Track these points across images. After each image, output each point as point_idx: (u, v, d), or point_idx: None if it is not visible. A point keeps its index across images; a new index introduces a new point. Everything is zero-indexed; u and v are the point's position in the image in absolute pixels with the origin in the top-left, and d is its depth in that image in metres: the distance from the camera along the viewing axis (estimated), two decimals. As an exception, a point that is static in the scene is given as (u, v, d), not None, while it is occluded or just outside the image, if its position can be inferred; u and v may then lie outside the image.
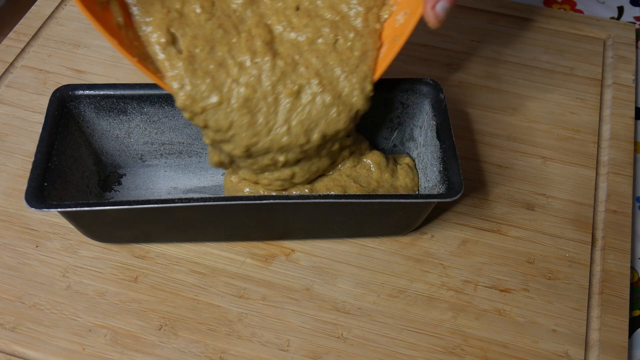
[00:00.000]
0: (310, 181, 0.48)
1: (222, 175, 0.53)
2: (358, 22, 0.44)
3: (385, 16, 0.45)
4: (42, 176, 0.43)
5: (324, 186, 0.48)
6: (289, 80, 0.43)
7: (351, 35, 0.44)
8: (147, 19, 0.43)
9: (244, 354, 0.44)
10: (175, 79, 0.42)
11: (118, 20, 0.42)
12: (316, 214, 0.46)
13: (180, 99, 0.42)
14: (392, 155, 0.52)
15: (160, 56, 0.42)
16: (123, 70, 0.60)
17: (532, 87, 0.61)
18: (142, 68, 0.42)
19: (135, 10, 0.43)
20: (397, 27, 0.44)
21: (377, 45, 0.45)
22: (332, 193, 0.48)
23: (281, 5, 0.45)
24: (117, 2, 0.42)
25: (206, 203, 0.42)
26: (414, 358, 0.44)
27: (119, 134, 0.50)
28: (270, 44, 0.44)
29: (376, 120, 0.51)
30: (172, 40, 0.43)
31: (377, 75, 0.44)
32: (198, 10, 0.43)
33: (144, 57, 0.42)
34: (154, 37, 0.43)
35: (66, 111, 0.47)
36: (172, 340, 0.44)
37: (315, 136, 0.44)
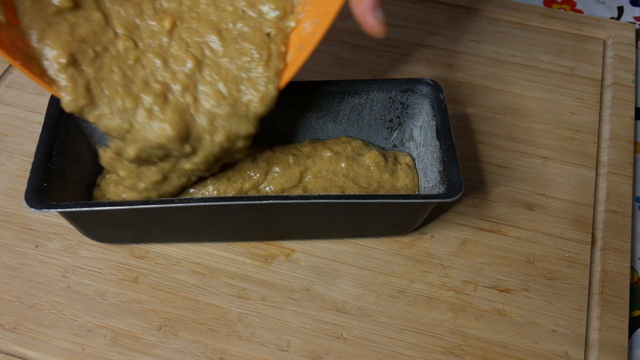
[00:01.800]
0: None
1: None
2: (259, 71, 0.42)
3: (293, 24, 0.43)
4: (42, 176, 0.43)
5: (320, 187, 0.48)
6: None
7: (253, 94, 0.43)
8: (47, 39, 0.40)
9: (244, 354, 0.44)
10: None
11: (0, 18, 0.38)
12: (316, 214, 0.46)
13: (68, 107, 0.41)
14: (392, 152, 0.52)
15: (61, 80, 0.40)
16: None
17: (532, 87, 0.61)
18: (26, 72, 0.39)
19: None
20: (304, 35, 0.42)
21: (281, 67, 0.42)
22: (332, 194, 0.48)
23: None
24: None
25: (206, 203, 0.42)
26: (413, 358, 0.44)
27: (118, 134, 0.50)
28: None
29: (376, 120, 0.51)
30: (73, 62, 0.40)
31: (283, 83, 0.42)
32: (116, 78, 0.41)
33: (29, 59, 0.39)
34: (50, 54, 0.40)
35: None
36: (172, 341, 0.44)
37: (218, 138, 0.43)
